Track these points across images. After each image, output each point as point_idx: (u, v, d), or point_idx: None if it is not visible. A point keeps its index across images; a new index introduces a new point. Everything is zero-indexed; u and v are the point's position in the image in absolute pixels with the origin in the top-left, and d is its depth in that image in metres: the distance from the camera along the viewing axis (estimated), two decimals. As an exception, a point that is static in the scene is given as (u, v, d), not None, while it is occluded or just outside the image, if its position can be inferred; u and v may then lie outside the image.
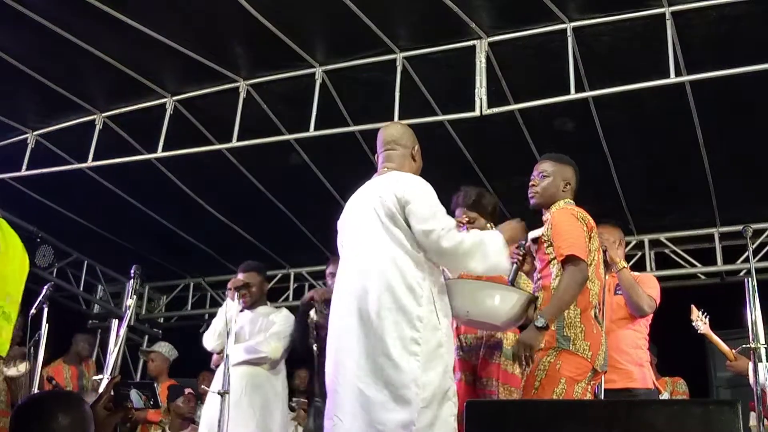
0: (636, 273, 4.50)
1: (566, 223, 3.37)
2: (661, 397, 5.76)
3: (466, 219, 3.78)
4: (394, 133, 3.55)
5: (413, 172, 3.44)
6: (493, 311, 3.35)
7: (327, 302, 4.20)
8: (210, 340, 4.87)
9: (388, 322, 3.09)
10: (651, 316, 4.34)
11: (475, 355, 3.78)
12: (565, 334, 3.24)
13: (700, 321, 5.58)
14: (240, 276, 4.88)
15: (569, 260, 3.27)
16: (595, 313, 3.37)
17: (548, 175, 3.57)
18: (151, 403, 2.26)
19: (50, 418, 1.97)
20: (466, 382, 3.76)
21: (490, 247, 3.26)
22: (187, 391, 6.02)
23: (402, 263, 3.17)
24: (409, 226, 3.20)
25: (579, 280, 3.25)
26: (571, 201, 3.55)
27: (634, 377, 4.13)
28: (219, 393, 4.19)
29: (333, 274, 4.03)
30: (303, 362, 5.50)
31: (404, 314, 3.09)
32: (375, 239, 3.25)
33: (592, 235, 3.39)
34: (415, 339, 3.06)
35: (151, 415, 6.35)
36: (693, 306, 5.64)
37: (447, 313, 3.23)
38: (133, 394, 2.22)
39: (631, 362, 4.16)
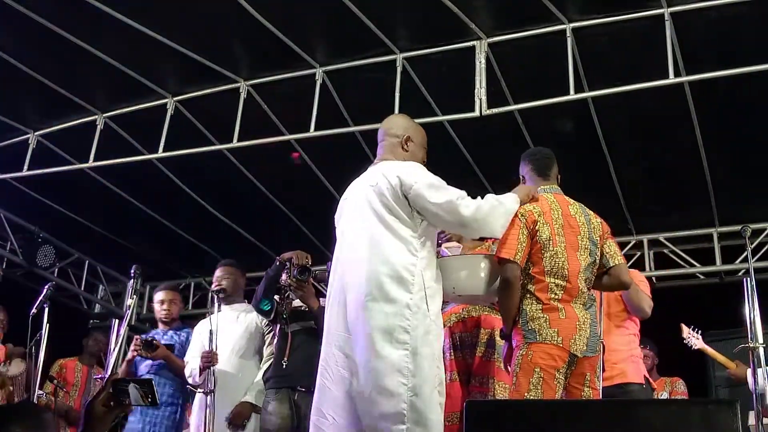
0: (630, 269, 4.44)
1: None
2: (660, 397, 5.79)
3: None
4: (385, 125, 3.56)
5: (405, 161, 3.41)
6: (474, 282, 3.43)
7: (302, 268, 4.23)
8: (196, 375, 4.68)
9: (373, 313, 3.07)
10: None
11: (470, 353, 3.79)
12: (529, 327, 3.30)
13: (693, 337, 5.58)
14: (218, 272, 4.91)
15: (500, 264, 3.38)
16: (576, 301, 3.37)
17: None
18: (149, 400, 2.26)
19: (3, 430, 1.96)
20: (459, 381, 3.76)
21: (508, 207, 3.29)
22: None
23: (392, 251, 3.14)
24: (408, 211, 3.19)
25: (502, 282, 3.35)
26: (542, 187, 3.59)
27: (627, 373, 4.16)
28: (205, 392, 4.30)
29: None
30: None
31: (392, 304, 3.07)
32: (366, 229, 3.24)
33: (537, 227, 3.39)
34: (404, 327, 3.04)
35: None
36: (683, 324, 5.65)
37: (437, 298, 3.22)
38: (132, 391, 2.22)
39: (624, 359, 4.18)
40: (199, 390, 4.63)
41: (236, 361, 4.68)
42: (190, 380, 4.74)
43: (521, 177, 3.71)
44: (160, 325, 5.11)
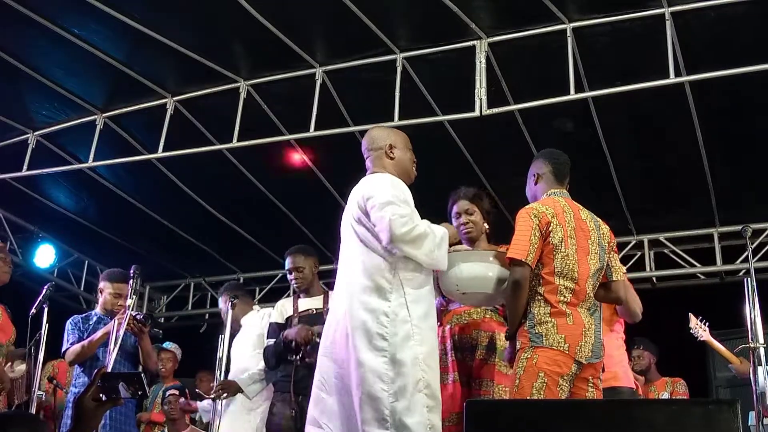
0: None
1: (518, 224, 3.42)
2: (660, 397, 5.79)
3: (466, 208, 3.87)
4: (366, 141, 3.60)
5: (396, 168, 3.47)
6: (479, 280, 3.44)
7: (313, 346, 4.07)
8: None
9: (356, 321, 3.18)
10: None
11: (470, 356, 3.79)
12: (536, 331, 3.27)
13: (700, 328, 5.57)
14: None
15: (510, 264, 3.36)
16: (582, 305, 3.36)
17: (528, 178, 3.69)
18: (139, 394, 2.24)
19: None
20: (461, 383, 3.76)
21: (438, 238, 3.28)
22: (169, 392, 5.99)
23: (369, 262, 3.24)
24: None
25: (511, 284, 3.33)
26: (554, 191, 3.55)
27: (618, 377, 4.16)
28: (212, 398, 4.52)
29: (290, 270, 4.47)
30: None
31: (370, 312, 3.17)
32: (348, 243, 3.37)
33: (550, 228, 3.36)
34: (381, 334, 3.13)
35: (155, 416, 6.36)
36: (691, 314, 5.63)
37: (423, 302, 3.25)
38: (121, 386, 2.21)
39: (615, 363, 4.17)
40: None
41: (244, 371, 4.77)
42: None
43: (534, 174, 3.63)
44: (99, 310, 4.82)
